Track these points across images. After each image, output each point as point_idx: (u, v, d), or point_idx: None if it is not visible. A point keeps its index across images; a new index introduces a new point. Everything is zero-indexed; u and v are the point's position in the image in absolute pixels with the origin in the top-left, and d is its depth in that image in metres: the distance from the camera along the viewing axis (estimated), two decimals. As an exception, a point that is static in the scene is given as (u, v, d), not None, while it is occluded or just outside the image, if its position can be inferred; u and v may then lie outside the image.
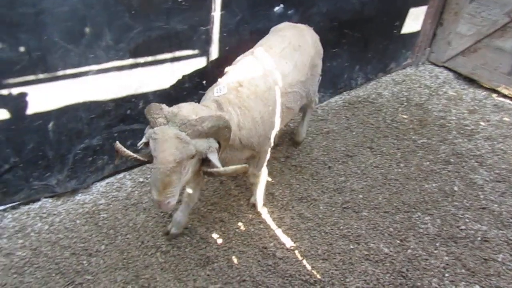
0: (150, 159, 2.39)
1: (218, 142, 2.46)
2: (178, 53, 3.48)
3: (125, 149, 2.44)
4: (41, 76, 2.93)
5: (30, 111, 3.05)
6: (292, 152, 4.31)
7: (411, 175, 4.10)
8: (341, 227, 3.54)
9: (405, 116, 5.01)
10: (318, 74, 3.78)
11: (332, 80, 5.08)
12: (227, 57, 3.79)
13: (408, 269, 3.21)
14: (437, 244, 3.42)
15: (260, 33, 3.89)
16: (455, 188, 3.96)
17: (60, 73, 2.99)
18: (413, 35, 5.67)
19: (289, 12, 4.02)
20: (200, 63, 3.69)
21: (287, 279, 3.10)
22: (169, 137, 2.22)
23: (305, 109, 4.16)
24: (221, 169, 2.40)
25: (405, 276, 3.15)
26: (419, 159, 4.33)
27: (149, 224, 3.43)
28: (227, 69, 3.13)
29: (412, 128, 4.80)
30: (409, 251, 3.35)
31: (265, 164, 3.37)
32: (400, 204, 3.77)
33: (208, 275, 3.10)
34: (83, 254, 3.18)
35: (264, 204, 3.68)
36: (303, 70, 3.34)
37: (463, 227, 3.57)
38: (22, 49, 2.75)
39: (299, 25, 3.61)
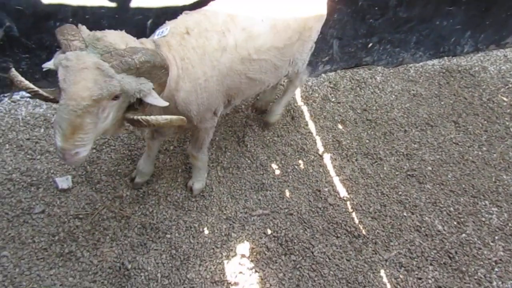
0: (57, 96, 1.89)
1: None
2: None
3: (22, 79, 1.92)
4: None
5: (133, 4, 3.16)
6: (371, 106, 4.16)
7: (491, 162, 3.82)
8: (400, 193, 3.46)
9: (505, 99, 4.55)
10: (311, 41, 3.06)
11: (435, 40, 4.67)
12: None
13: (457, 252, 3.12)
14: (496, 237, 3.26)
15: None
16: (536, 188, 3.66)
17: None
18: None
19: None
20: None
21: (332, 225, 3.17)
22: (86, 66, 1.73)
23: (287, 83, 3.51)
24: (151, 117, 1.96)
25: (452, 258, 3.09)
26: (506, 147, 3.99)
27: (215, 139, 3.58)
28: (185, 12, 2.54)
29: (509, 113, 4.37)
30: (463, 235, 3.24)
31: (206, 145, 2.90)
32: (469, 187, 3.58)
33: (259, 199, 3.25)
34: (153, 148, 3.44)
35: (328, 150, 3.67)
36: (285, 33, 2.66)
37: (530, 229, 3.35)
38: None
39: None
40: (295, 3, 2.71)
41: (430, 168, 3.70)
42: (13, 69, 1.93)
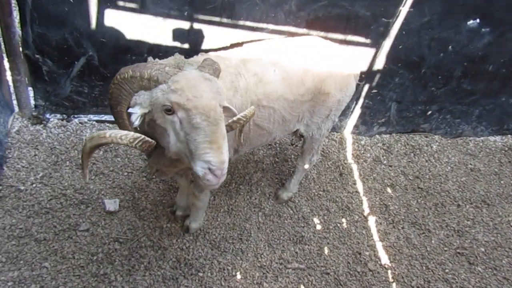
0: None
1: None
2: (350, 37, 3.45)
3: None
4: (224, 20, 3.20)
5: (204, 47, 3.37)
6: (424, 174, 4.02)
7: (553, 254, 3.50)
8: (447, 270, 3.24)
9: None
10: (328, 108, 2.87)
11: (500, 117, 4.51)
12: (396, 56, 3.65)
13: None
14: None
15: (439, 42, 3.64)
16: None
17: (241, 22, 3.22)
18: None
19: (483, 29, 3.62)
20: (367, 53, 3.61)
21: (369, 293, 3.01)
22: (198, 78, 1.79)
23: (297, 162, 3.37)
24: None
25: None
26: None
27: (261, 184, 3.60)
28: (200, 53, 2.61)
29: None
30: (515, 330, 2.94)
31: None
32: (526, 278, 3.28)
33: (296, 252, 3.17)
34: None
35: (374, 213, 3.56)
36: (297, 88, 2.61)
37: None
38: (219, -8, 3.03)
39: (332, 45, 2.87)
40: (318, 65, 2.70)
41: (483, 249, 3.45)
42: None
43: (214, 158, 1.74)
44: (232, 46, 2.93)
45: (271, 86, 2.53)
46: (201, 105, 1.75)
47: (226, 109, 1.98)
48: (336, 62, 2.79)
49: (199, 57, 2.46)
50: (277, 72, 2.56)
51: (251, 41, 2.97)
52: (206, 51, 3.17)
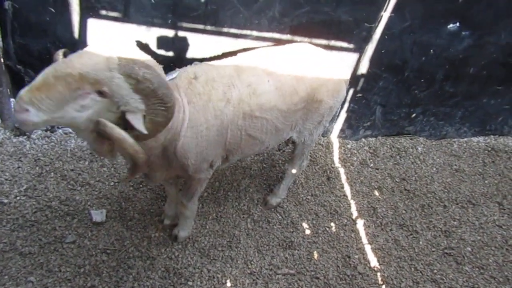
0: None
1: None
2: (333, 42, 3.48)
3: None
4: (208, 27, 3.21)
5: (189, 55, 3.37)
6: (410, 176, 4.07)
7: (538, 251, 3.57)
8: (435, 271, 3.27)
9: (555, 185, 4.32)
10: (320, 114, 2.88)
11: (482, 118, 4.59)
12: (379, 60, 3.69)
13: None
14: (541, 336, 2.97)
15: (421, 46, 3.70)
16: None
17: (225, 29, 3.23)
18: None
19: (463, 33, 3.70)
20: (351, 58, 3.65)
21: (359, 296, 3.02)
22: (100, 54, 1.78)
23: (287, 167, 3.40)
24: (119, 132, 1.82)
25: None
26: (554, 237, 3.73)
27: (249, 190, 3.60)
28: (195, 63, 2.55)
29: (559, 201, 4.13)
30: (504, 328, 2.97)
31: (197, 195, 2.82)
32: (512, 276, 3.34)
33: (286, 257, 3.16)
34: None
35: (362, 216, 3.58)
36: (290, 97, 2.62)
37: None
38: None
39: (323, 51, 2.90)
40: (310, 73, 2.71)
41: (469, 248, 3.50)
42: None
43: (21, 91, 1.68)
44: (226, 54, 2.93)
45: (264, 96, 2.51)
46: (71, 59, 1.77)
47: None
48: (328, 69, 2.80)
49: (194, 67, 2.45)
50: (271, 82, 2.54)
51: (245, 49, 2.97)
52: (201, 60, 3.15)
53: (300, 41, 3.40)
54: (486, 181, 4.21)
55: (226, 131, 2.43)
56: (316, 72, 2.73)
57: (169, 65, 3.34)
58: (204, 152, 2.40)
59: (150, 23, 3.09)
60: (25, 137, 3.45)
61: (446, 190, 4.01)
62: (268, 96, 2.52)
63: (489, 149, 4.64)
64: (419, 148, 4.42)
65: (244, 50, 2.89)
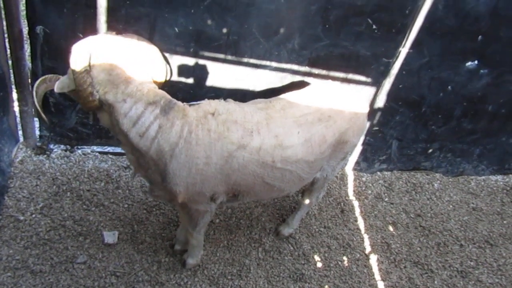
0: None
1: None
2: (351, 76, 3.52)
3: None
4: (229, 57, 3.29)
5: (208, 83, 3.45)
6: (426, 213, 3.99)
7: (560, 298, 3.42)
8: (451, 313, 3.16)
9: None
10: (344, 152, 2.90)
11: (501, 156, 4.52)
12: (396, 95, 3.71)
13: None
14: None
15: (439, 82, 3.71)
16: None
17: (245, 59, 3.31)
18: None
19: (481, 71, 3.70)
20: (368, 92, 3.68)
21: (371, 335, 2.92)
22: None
23: (303, 197, 3.32)
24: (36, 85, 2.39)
25: None
26: None
27: (262, 219, 3.58)
28: (227, 100, 2.57)
29: None
30: None
31: (201, 226, 2.77)
32: (532, 323, 3.19)
33: (296, 290, 3.10)
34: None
35: (376, 251, 3.51)
36: (319, 147, 2.60)
37: None
38: (224, 30, 3.13)
39: (347, 91, 2.89)
40: (339, 118, 2.70)
41: (487, 291, 3.38)
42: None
43: None
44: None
45: (291, 150, 2.47)
46: None
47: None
48: (354, 109, 2.79)
49: (221, 102, 2.47)
50: (300, 134, 2.51)
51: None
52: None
53: (317, 74, 3.45)
54: (504, 221, 4.10)
55: (233, 172, 2.40)
56: (344, 116, 2.73)
57: (189, 91, 3.42)
58: (198, 185, 2.37)
59: (173, 51, 3.19)
60: (45, 156, 3.53)
61: (462, 229, 3.92)
62: (295, 150, 2.49)
63: (508, 188, 4.54)
64: (436, 184, 4.35)
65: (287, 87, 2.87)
